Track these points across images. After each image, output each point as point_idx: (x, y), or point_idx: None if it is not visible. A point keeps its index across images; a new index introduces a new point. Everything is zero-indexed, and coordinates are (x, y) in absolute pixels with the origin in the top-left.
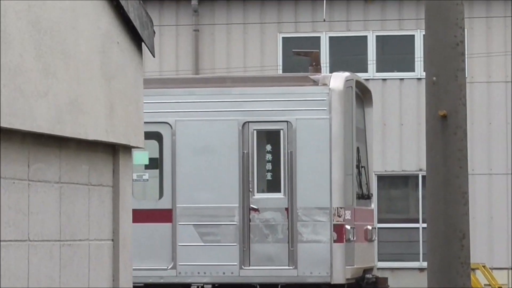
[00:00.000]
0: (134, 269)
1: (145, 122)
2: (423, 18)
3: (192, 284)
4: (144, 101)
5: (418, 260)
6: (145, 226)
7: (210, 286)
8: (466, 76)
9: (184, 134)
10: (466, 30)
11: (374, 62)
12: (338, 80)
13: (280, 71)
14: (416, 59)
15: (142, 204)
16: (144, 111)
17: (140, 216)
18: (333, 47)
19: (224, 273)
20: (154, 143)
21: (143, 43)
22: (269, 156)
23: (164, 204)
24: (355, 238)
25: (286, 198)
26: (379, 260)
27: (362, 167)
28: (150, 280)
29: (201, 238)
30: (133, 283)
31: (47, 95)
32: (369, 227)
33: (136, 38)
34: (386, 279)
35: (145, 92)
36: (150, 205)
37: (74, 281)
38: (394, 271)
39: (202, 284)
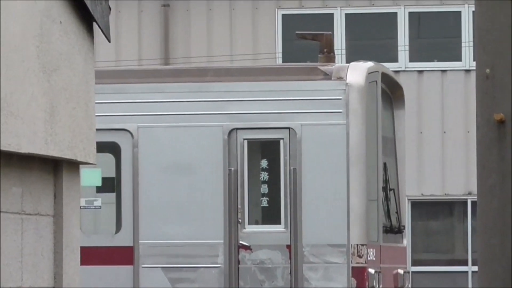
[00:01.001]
0: None
1: (97, 130)
2: None
3: None
4: (97, 101)
5: None
6: (97, 270)
7: None
8: None
9: (149, 146)
10: None
11: (407, 48)
12: (358, 72)
13: (279, 61)
14: (463, 45)
15: (94, 240)
16: (97, 114)
17: (91, 256)
18: (351, 28)
19: None
20: (109, 158)
21: (94, 23)
22: (264, 175)
23: (123, 240)
24: (381, 286)
25: (288, 232)
26: None
27: (390, 190)
28: None
29: (172, 286)
30: None
31: None
32: (401, 271)
33: (86, 17)
34: None
35: (98, 89)
36: (104, 241)
37: None
38: None
39: None
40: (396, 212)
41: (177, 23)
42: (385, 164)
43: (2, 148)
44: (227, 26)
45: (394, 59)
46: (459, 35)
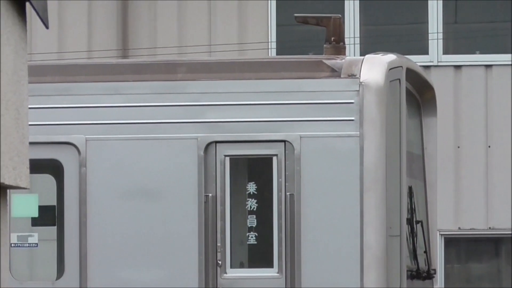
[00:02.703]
0: None
1: (32, 143)
2: None
3: None
4: (31, 106)
5: None
6: None
7: None
8: None
9: (101, 164)
10: None
11: (440, 37)
12: (375, 68)
13: (272, 53)
14: None
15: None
16: (31, 123)
17: None
18: (366, 11)
19: None
20: (48, 180)
21: (28, 4)
22: (252, 203)
23: None
24: None
25: (283, 278)
26: None
27: (417, 222)
28: None
29: None
30: None
31: None
32: None
33: None
34: None
35: (34, 90)
36: None
37: None
38: None
39: None
40: (425, 252)
41: (139, 5)
42: (410, 188)
43: None
44: (204, 9)
45: (424, 51)
46: (508, 19)
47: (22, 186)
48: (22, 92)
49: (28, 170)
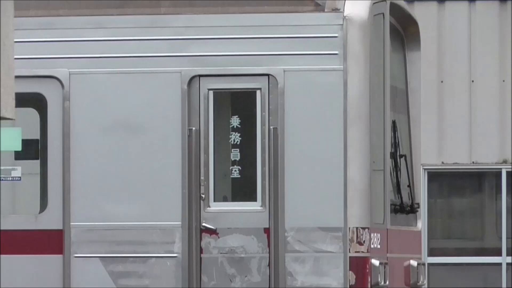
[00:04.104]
0: None
1: (17, 77)
2: None
3: None
4: (17, 40)
5: None
6: (16, 261)
7: None
8: None
9: (85, 98)
10: None
11: None
12: (359, 2)
13: None
14: None
15: (11, 221)
16: (16, 57)
17: (8, 242)
18: None
19: None
20: (32, 114)
21: None
22: (236, 137)
23: (50, 221)
24: (388, 282)
25: (267, 212)
26: None
27: (401, 157)
28: None
29: (114, 281)
30: None
31: None
32: (413, 263)
33: None
34: None
35: (17, 24)
36: (24, 223)
37: None
38: None
39: None
40: (409, 186)
41: None
42: (394, 122)
43: None
44: None
45: None
46: None
47: (8, 117)
48: (8, 24)
49: (14, 102)
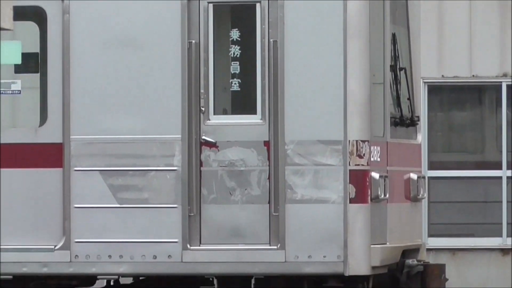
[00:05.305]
0: None
1: None
2: None
3: (99, 277)
4: None
5: (500, 235)
6: (16, 174)
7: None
8: None
9: (84, 13)
10: None
11: None
12: None
13: None
14: None
15: (11, 135)
16: None
17: (7, 156)
18: None
19: (155, 257)
20: (32, 27)
21: None
22: (236, 50)
23: (49, 135)
24: (388, 195)
25: (266, 125)
26: (430, 235)
27: (401, 69)
28: (24, 270)
29: (114, 195)
30: None
31: None
32: (413, 176)
33: None
34: (441, 267)
35: None
36: (24, 137)
37: None
38: (456, 254)
39: (116, 277)
40: (408, 99)
41: None
42: (394, 35)
43: None
44: None
45: None
46: None
47: (6, 27)
48: None
49: (12, 12)
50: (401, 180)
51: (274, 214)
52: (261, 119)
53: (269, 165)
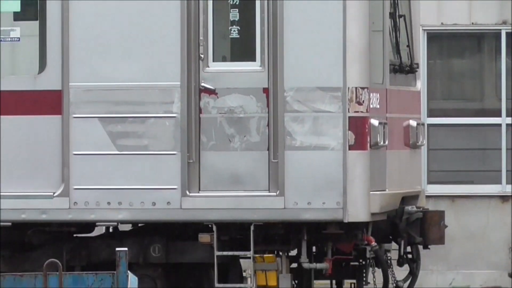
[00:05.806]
0: None
1: None
2: None
3: (98, 223)
4: None
5: (499, 182)
6: (15, 121)
7: (129, 226)
8: None
9: None
10: None
11: None
12: None
13: None
14: None
15: (10, 82)
16: None
17: (6, 103)
18: None
19: (154, 204)
20: None
21: None
22: None
23: (48, 82)
24: (387, 142)
25: (266, 72)
26: (429, 182)
27: (400, 17)
28: (23, 216)
29: (113, 142)
30: None
31: None
32: (413, 123)
33: None
34: (440, 214)
35: None
36: (23, 84)
37: None
38: (455, 201)
39: (115, 223)
40: (408, 46)
41: None
42: None
43: None
44: None
45: None
46: None
47: None
48: None
49: None
50: (400, 127)
51: (273, 160)
52: (260, 66)
53: (268, 112)
